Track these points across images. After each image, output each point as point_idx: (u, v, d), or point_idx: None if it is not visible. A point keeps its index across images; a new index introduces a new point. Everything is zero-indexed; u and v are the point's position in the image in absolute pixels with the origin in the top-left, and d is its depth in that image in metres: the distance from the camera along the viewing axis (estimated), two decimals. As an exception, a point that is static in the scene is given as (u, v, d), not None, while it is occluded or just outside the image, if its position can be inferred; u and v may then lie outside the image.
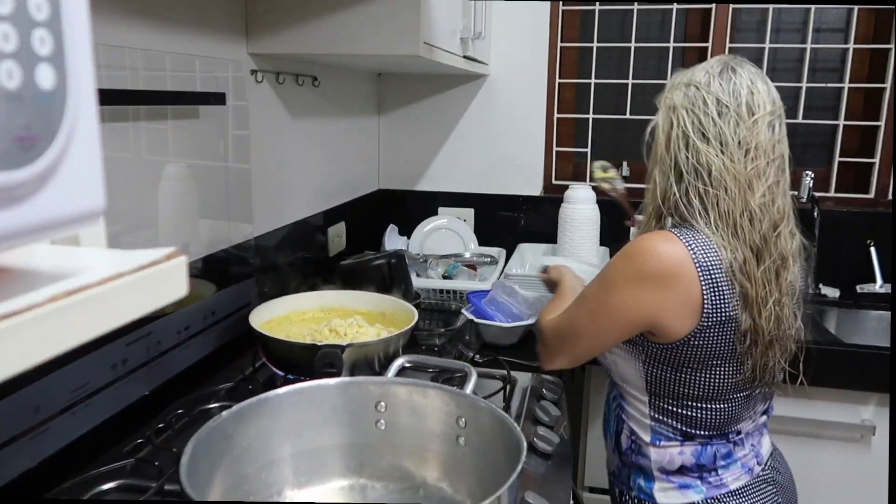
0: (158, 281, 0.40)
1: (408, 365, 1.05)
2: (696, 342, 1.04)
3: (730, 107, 1.03)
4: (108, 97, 1.04)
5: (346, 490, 0.88)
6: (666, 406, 1.11)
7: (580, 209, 1.96)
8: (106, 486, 0.96)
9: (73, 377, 1.01)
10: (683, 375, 1.07)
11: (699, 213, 1.04)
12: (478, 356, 1.48)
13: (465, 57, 1.79)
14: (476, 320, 1.56)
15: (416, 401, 0.89)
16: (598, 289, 1.09)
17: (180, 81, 1.22)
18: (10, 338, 0.31)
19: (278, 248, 1.62)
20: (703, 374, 1.07)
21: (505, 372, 1.32)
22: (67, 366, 0.99)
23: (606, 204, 1.76)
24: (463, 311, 1.59)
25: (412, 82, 2.29)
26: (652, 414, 1.13)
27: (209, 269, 1.34)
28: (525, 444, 0.74)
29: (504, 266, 2.02)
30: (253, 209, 1.49)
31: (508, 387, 1.26)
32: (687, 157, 1.04)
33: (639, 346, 1.10)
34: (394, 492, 0.88)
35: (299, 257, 1.71)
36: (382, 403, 0.90)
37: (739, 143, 1.03)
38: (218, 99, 1.31)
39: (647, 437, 1.14)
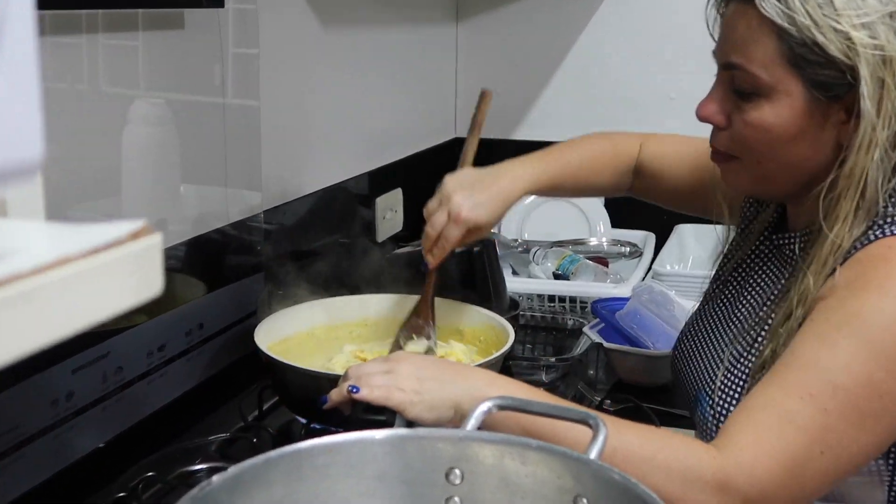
0: (121, 270, 0.41)
1: (497, 411, 1.04)
2: None
3: None
4: (51, -3, 1.07)
5: None
6: None
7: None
8: (43, 582, 1.00)
9: (-3, 417, 1.05)
10: None
11: None
12: (608, 401, 1.47)
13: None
14: (606, 344, 1.55)
15: (509, 468, 0.88)
16: (870, 364, 1.00)
17: (156, -28, 1.25)
18: None
19: (300, 227, 1.64)
20: None
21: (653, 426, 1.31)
22: (-11, 400, 1.04)
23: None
24: (586, 329, 1.58)
25: (509, -29, 2.29)
26: None
27: (196, 259, 1.37)
28: (683, 541, 0.73)
29: (653, 259, 2.00)
30: (263, 168, 1.52)
31: (656, 451, 1.24)
32: None
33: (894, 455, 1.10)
34: None
35: (332, 242, 1.73)
36: (457, 471, 0.90)
37: None
38: (212, -1, 1.34)
39: None
